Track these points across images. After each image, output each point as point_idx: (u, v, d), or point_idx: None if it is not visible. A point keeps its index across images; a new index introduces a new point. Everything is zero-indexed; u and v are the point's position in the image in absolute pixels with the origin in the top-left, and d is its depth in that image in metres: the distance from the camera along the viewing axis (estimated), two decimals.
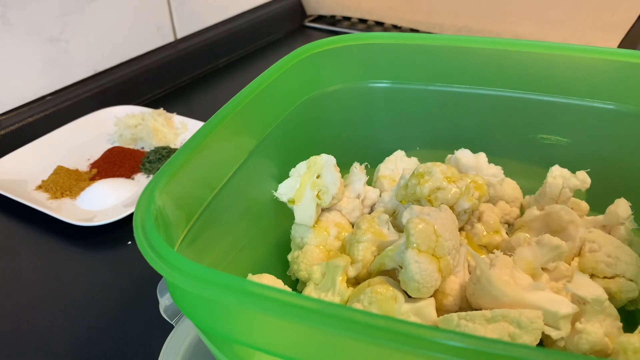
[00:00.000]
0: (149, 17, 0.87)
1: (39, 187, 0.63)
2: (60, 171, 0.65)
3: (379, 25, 1.08)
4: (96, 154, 0.69)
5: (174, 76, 0.90)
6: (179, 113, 0.75)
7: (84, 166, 0.68)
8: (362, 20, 1.10)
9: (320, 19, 1.14)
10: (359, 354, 0.25)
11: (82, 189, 0.62)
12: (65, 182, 0.63)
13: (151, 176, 0.65)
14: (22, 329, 0.47)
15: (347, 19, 1.12)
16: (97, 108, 0.76)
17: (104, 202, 0.60)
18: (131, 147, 0.71)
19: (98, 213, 0.59)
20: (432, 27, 1.00)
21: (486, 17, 0.99)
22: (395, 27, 1.06)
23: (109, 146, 0.71)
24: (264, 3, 1.08)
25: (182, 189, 0.34)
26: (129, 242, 0.56)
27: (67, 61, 0.77)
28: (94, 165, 0.67)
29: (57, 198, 0.61)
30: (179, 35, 0.93)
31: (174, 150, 0.69)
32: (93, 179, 0.65)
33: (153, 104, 0.84)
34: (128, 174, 0.66)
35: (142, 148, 0.71)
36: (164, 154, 0.68)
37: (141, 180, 0.65)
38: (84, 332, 0.46)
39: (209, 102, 0.87)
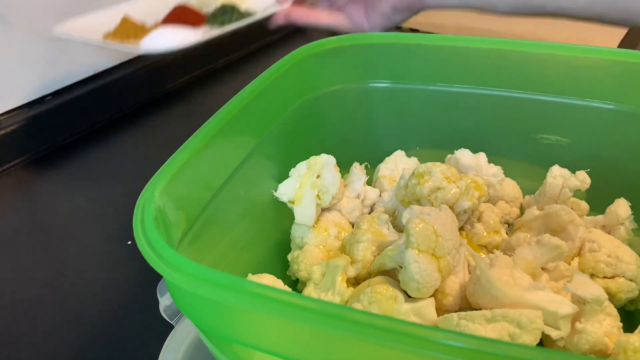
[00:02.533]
0: None
1: (106, 36, 0.66)
2: (126, 22, 0.68)
3: None
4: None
5: (174, 76, 0.90)
6: (179, 115, 0.75)
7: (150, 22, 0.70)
8: None
9: None
10: (359, 354, 0.25)
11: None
12: (131, 32, 0.66)
13: (218, 28, 0.66)
14: (21, 329, 0.47)
15: None
16: (97, 107, 0.76)
17: (168, 44, 0.62)
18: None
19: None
20: (432, 27, 1.00)
21: (486, 17, 0.99)
22: (396, 27, 1.06)
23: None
24: None
25: (182, 189, 0.34)
26: (129, 242, 0.56)
27: (67, 61, 0.77)
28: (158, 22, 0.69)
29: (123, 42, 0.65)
30: None
31: (239, 9, 0.70)
32: None
33: (153, 103, 0.84)
34: (193, 26, 0.67)
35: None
36: (228, 9, 0.69)
37: (206, 31, 0.66)
38: (83, 332, 0.46)
39: (209, 102, 0.86)
